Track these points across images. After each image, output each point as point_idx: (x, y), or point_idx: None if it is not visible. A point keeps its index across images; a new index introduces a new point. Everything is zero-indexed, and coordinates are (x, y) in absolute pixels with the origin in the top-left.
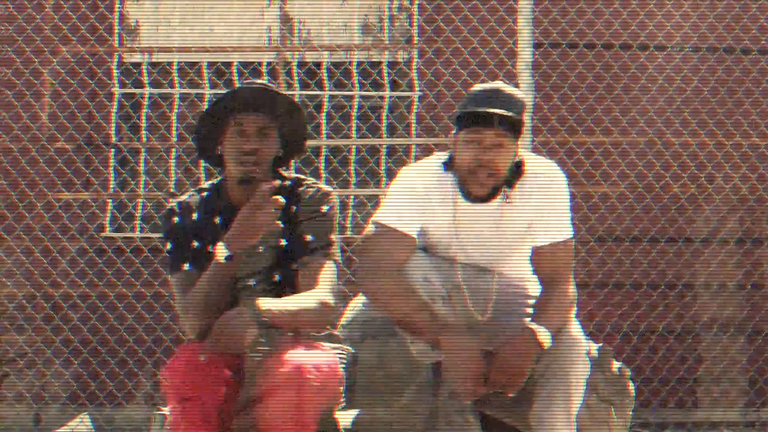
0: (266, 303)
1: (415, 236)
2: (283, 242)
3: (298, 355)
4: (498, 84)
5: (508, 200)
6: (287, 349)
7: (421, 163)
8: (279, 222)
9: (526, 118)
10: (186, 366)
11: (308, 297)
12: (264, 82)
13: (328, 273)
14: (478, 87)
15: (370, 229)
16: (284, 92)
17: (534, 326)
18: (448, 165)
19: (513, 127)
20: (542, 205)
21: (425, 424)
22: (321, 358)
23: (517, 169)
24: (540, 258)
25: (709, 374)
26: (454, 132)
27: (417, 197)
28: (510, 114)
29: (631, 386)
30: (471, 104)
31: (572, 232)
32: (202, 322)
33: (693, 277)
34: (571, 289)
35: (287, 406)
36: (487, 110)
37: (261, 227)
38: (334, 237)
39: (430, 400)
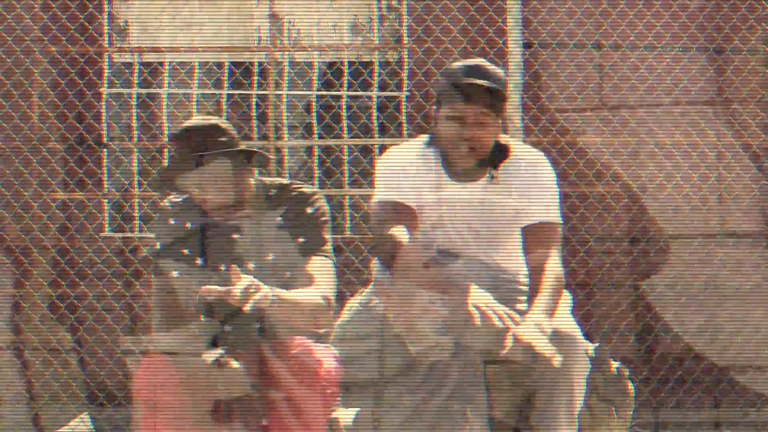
0: (278, 291)
1: (415, 208)
2: (270, 257)
3: (316, 354)
4: (478, 60)
5: (493, 180)
6: (288, 347)
7: (403, 144)
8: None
9: (515, 114)
10: (153, 372)
11: (314, 292)
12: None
13: (326, 269)
14: (458, 63)
15: (372, 211)
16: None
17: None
18: (431, 142)
19: (495, 103)
20: (530, 190)
21: (426, 424)
22: (327, 358)
23: (502, 151)
24: (529, 238)
25: (708, 374)
26: (434, 108)
27: (405, 171)
28: (494, 86)
29: (630, 386)
30: (452, 79)
31: (561, 220)
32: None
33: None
34: (560, 270)
35: (304, 403)
36: (471, 81)
37: None
38: (326, 236)
39: (428, 400)
